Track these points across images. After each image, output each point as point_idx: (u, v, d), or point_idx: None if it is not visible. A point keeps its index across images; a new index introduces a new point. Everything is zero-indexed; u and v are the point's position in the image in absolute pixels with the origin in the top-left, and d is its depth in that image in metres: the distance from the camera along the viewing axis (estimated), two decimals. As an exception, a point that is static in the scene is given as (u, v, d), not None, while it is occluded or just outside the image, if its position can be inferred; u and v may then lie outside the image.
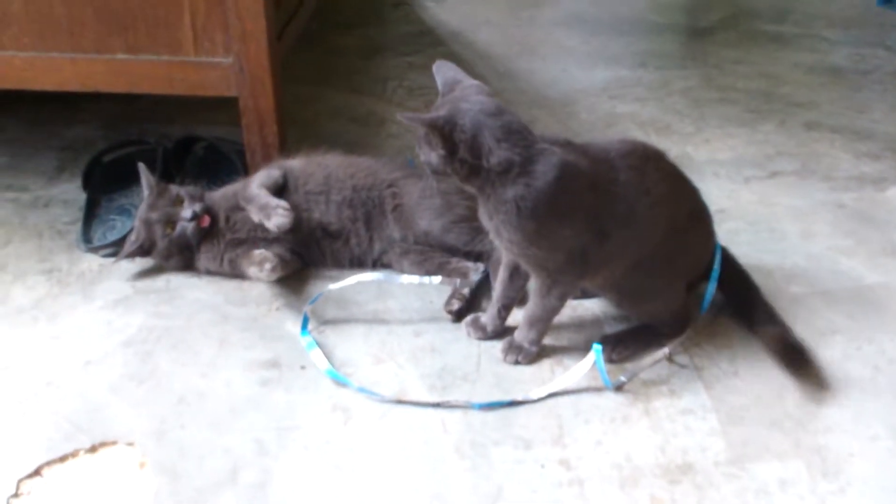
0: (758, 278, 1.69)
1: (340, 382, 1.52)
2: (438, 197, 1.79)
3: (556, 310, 1.55)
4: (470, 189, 1.44)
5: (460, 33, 3.20)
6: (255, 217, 1.72)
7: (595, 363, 1.52)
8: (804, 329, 1.64)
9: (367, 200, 1.82)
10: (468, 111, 1.37)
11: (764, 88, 2.73)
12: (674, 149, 2.32)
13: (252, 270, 1.72)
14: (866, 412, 1.46)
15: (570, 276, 1.50)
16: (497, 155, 1.37)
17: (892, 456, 1.38)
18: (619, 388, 1.52)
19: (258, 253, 1.73)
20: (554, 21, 3.35)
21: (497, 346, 1.60)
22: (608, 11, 3.43)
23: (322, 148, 1.91)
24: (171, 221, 1.77)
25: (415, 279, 1.71)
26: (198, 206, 1.77)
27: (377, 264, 1.84)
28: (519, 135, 1.39)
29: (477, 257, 1.78)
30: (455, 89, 1.44)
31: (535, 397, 1.49)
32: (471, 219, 1.78)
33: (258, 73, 1.83)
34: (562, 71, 2.87)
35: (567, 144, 1.46)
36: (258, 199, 1.73)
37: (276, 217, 1.69)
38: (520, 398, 1.49)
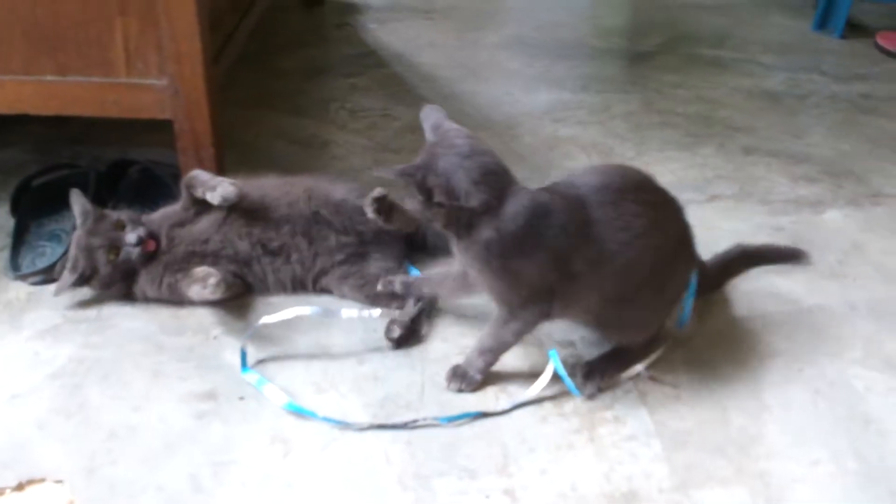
0: (697, 302, 1.72)
1: (305, 415, 1.48)
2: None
3: (508, 345, 1.54)
4: (449, 233, 1.44)
5: (404, 55, 3.19)
6: (199, 192, 1.71)
7: (557, 372, 1.52)
8: (744, 352, 1.66)
9: (303, 210, 1.79)
10: (442, 155, 1.38)
11: (703, 112, 2.77)
12: (616, 172, 2.34)
13: (195, 289, 1.66)
14: (808, 436, 1.48)
15: (531, 314, 1.48)
16: (475, 197, 1.37)
17: (833, 481, 1.39)
18: (591, 397, 1.54)
19: (201, 270, 1.68)
20: (497, 44, 3.36)
21: (441, 374, 1.57)
22: (551, 36, 3.46)
23: (261, 172, 1.87)
24: (114, 247, 1.70)
25: (354, 313, 1.67)
26: (142, 231, 1.72)
27: (317, 288, 1.80)
28: (494, 175, 1.40)
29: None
30: (437, 134, 1.44)
31: (500, 409, 1.50)
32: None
33: (194, 95, 1.79)
34: (505, 94, 2.88)
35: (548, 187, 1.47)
36: (200, 175, 1.73)
37: (221, 188, 1.68)
38: (487, 410, 1.49)
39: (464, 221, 1.40)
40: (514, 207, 1.39)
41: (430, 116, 1.48)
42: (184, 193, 1.77)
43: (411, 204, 1.43)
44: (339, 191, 1.83)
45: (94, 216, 1.74)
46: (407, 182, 1.38)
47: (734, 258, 1.83)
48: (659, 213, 1.51)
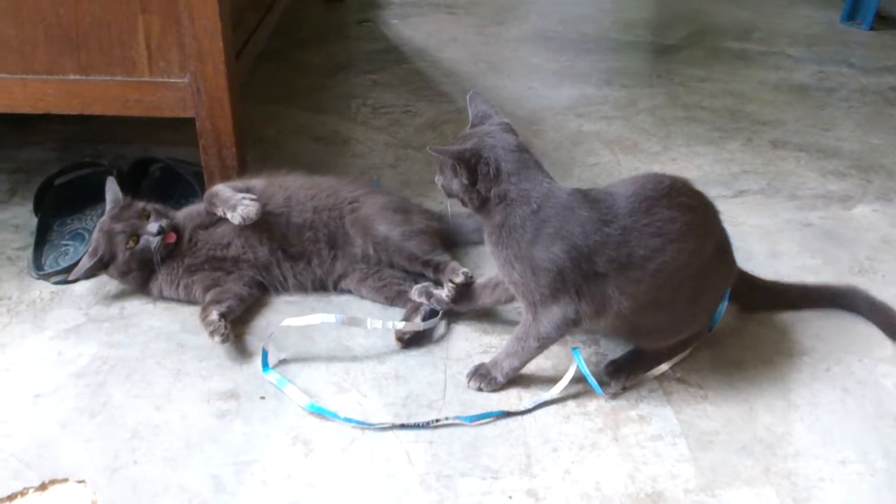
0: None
1: (327, 416, 1.47)
2: (398, 211, 1.81)
3: (532, 352, 1.52)
4: (480, 216, 1.52)
5: (425, 51, 3.18)
6: (220, 212, 1.71)
7: (580, 370, 1.51)
8: (771, 351, 1.63)
9: (328, 221, 1.78)
10: (493, 147, 1.47)
11: (730, 106, 2.73)
12: (641, 168, 2.32)
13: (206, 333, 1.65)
14: (836, 435, 1.45)
15: (555, 317, 1.46)
16: (513, 188, 1.45)
17: (861, 480, 1.37)
18: (615, 396, 1.52)
19: (212, 320, 1.63)
20: (520, 39, 3.34)
21: (464, 374, 1.56)
22: (574, 29, 3.43)
23: (284, 169, 1.87)
24: (135, 234, 1.71)
25: (379, 324, 1.64)
26: (164, 222, 1.72)
27: (337, 288, 1.80)
28: (531, 171, 1.47)
29: (435, 268, 1.75)
30: (484, 123, 1.54)
31: (524, 408, 1.49)
32: (429, 233, 1.79)
33: (216, 92, 1.79)
34: (528, 89, 2.86)
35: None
36: (222, 193, 1.72)
37: (241, 207, 1.68)
38: (510, 409, 1.48)
39: (495, 206, 1.46)
40: (538, 199, 1.44)
41: (477, 103, 1.57)
42: (206, 206, 1.77)
43: (451, 182, 1.50)
44: (381, 226, 1.77)
45: (122, 204, 1.75)
46: (459, 164, 1.46)
47: (825, 294, 1.77)
48: (696, 216, 1.48)
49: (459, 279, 1.66)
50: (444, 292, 1.67)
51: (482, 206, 1.48)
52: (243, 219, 1.67)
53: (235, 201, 1.69)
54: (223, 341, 1.60)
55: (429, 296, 1.68)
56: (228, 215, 1.69)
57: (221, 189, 1.74)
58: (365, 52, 3.18)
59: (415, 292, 1.70)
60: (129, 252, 1.71)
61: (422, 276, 1.78)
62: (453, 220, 1.90)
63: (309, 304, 1.77)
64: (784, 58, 3.15)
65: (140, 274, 1.74)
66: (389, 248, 1.76)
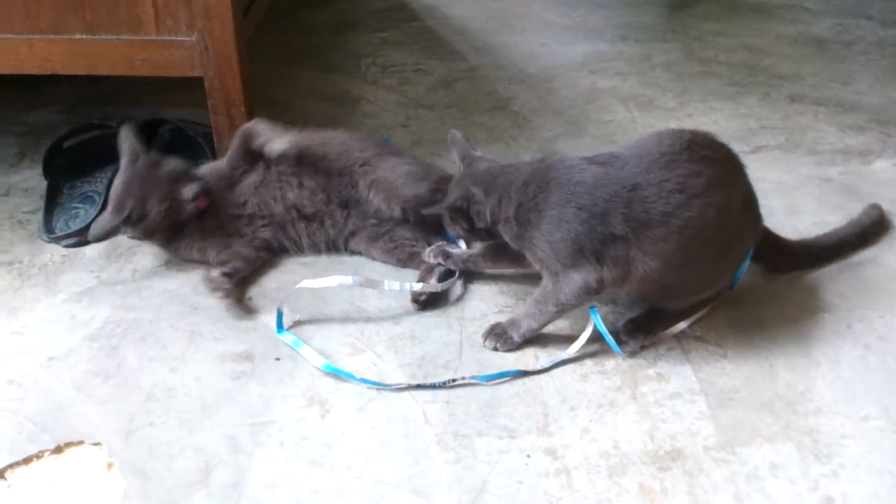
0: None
1: (343, 377, 1.46)
2: (412, 164, 1.78)
3: (551, 316, 1.51)
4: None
5: (435, 7, 3.13)
6: (259, 143, 1.71)
7: (597, 329, 1.50)
8: (791, 308, 1.61)
9: (340, 186, 1.75)
10: (477, 181, 1.52)
11: (746, 61, 2.68)
12: (657, 124, 2.28)
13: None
14: (857, 392, 1.43)
15: (575, 283, 1.43)
16: (511, 228, 1.49)
17: (884, 436, 1.35)
18: (632, 354, 1.51)
19: (214, 277, 1.64)
20: (531, -6, 3.28)
21: (479, 334, 1.55)
22: (586, -16, 3.37)
23: (297, 128, 1.84)
24: (168, 198, 1.68)
25: (396, 285, 1.63)
26: (198, 187, 1.70)
27: (348, 248, 1.78)
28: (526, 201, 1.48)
29: None
30: (468, 164, 1.59)
31: (540, 367, 1.47)
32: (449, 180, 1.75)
33: (224, 51, 1.76)
34: (541, 45, 2.81)
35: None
36: (259, 125, 1.72)
37: (280, 141, 1.69)
38: (527, 368, 1.47)
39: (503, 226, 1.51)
40: (536, 172, 1.48)
41: (458, 142, 1.62)
42: (235, 148, 1.74)
43: (457, 230, 1.58)
44: (406, 188, 1.73)
45: (148, 160, 1.71)
46: (456, 215, 1.53)
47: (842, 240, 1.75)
48: (721, 169, 1.45)
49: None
50: (473, 246, 1.66)
51: (490, 232, 1.54)
52: (280, 152, 1.67)
53: (275, 134, 1.69)
54: (224, 296, 1.59)
55: (446, 255, 1.66)
56: (267, 147, 1.68)
57: (258, 123, 1.73)
58: (373, 9, 3.13)
59: (429, 253, 1.68)
60: (161, 215, 1.68)
61: (435, 234, 1.75)
62: None
63: (322, 264, 1.75)
64: (801, 11, 3.09)
65: (163, 235, 1.72)
66: (420, 206, 1.72)
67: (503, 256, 1.63)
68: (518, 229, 1.47)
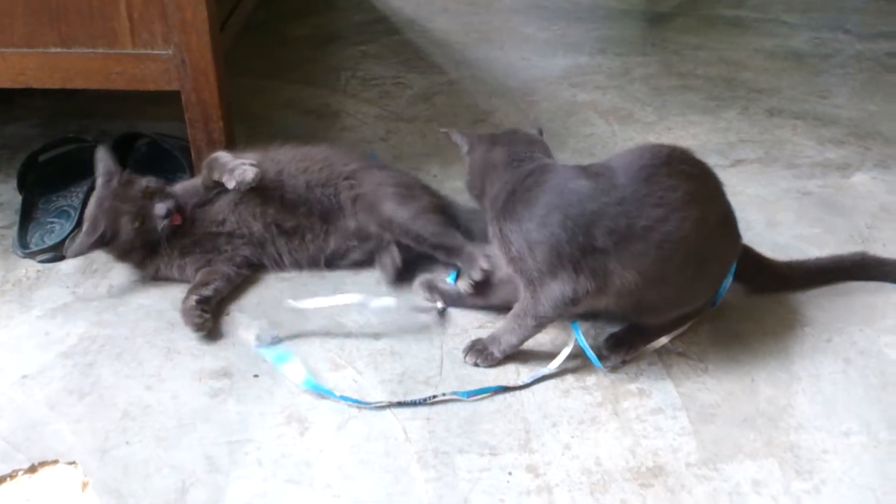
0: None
1: (323, 394, 1.44)
2: (399, 181, 1.76)
3: (530, 330, 1.50)
4: (479, 202, 1.59)
5: (416, 21, 3.13)
6: (216, 176, 1.67)
7: (579, 344, 1.49)
8: (772, 323, 1.61)
9: (322, 198, 1.74)
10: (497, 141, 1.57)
11: (725, 74, 2.70)
12: (637, 138, 2.29)
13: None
14: (838, 407, 1.43)
15: (553, 294, 1.42)
16: (504, 154, 1.53)
17: (865, 451, 1.35)
18: (614, 369, 1.50)
19: (189, 307, 1.60)
20: (512, 8, 3.29)
21: (460, 349, 1.54)
22: (566, -2, 3.39)
23: (276, 143, 1.83)
24: (140, 215, 1.66)
25: (391, 301, 1.63)
26: (171, 203, 1.67)
27: (331, 266, 1.76)
28: (526, 146, 1.54)
29: (448, 251, 1.70)
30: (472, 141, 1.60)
31: (522, 383, 1.46)
32: (436, 211, 1.72)
33: (201, 64, 1.75)
34: (521, 59, 2.81)
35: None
36: (221, 157, 1.68)
37: (238, 171, 1.64)
38: (508, 384, 1.46)
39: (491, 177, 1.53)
40: (528, 173, 1.47)
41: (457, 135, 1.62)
42: (205, 173, 1.72)
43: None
44: (386, 206, 1.72)
45: (121, 179, 1.69)
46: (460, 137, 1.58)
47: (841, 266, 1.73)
48: (697, 185, 1.46)
49: (478, 276, 1.60)
50: (461, 283, 1.63)
51: (481, 194, 1.53)
52: (238, 183, 1.63)
53: (234, 166, 1.65)
54: (196, 330, 1.56)
55: (432, 290, 1.65)
56: (225, 179, 1.65)
57: (221, 154, 1.70)
58: (353, 22, 3.13)
59: (417, 286, 1.66)
60: (134, 233, 1.66)
61: (429, 257, 1.74)
62: None
63: (302, 280, 1.74)
64: (779, 24, 3.11)
65: (140, 253, 1.70)
66: (395, 229, 1.71)
67: (491, 295, 1.63)
68: (501, 214, 1.46)
